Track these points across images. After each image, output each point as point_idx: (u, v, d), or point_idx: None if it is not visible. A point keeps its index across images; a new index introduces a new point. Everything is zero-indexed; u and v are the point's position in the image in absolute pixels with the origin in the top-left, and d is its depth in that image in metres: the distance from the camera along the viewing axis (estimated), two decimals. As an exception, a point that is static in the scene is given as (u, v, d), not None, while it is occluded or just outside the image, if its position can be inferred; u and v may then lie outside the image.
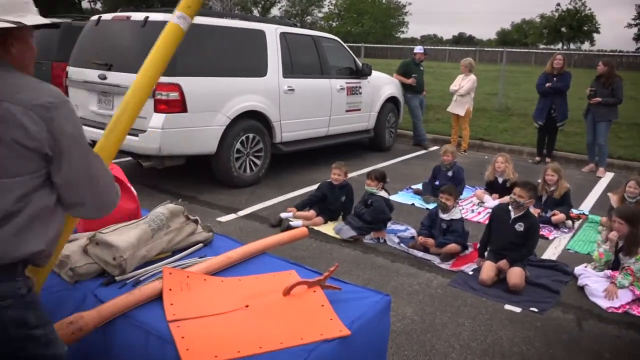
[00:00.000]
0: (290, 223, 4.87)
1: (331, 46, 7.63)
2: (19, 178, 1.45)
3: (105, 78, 5.57)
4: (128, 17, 5.66)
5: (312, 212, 5.06)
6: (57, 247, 1.68)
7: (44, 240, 1.50)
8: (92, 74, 5.71)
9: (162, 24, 5.19)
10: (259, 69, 6.16)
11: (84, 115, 6.05)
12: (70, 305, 1.89)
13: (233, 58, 5.89)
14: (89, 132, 5.76)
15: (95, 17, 6.15)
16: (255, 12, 66.82)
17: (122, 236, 2.08)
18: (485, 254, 4.19)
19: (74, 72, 6.06)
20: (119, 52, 5.60)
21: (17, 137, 1.40)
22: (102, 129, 5.59)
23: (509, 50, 18.02)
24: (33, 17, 1.51)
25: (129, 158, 6.17)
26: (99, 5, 67.44)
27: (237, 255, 2.26)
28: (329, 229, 4.89)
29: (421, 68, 9.30)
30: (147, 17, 5.40)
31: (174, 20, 1.83)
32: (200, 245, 2.40)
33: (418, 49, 9.41)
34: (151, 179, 6.20)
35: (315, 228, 4.87)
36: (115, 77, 5.49)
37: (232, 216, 5.23)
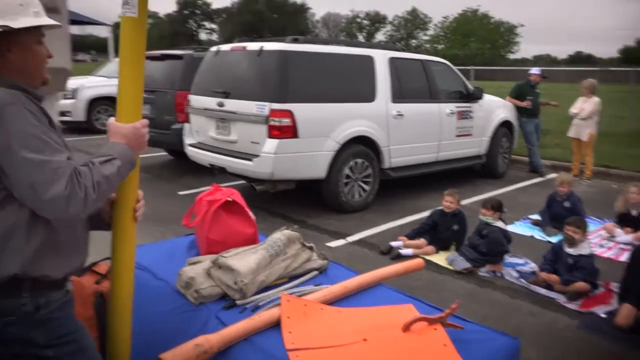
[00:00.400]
0: (400, 251, 4.75)
1: (440, 70, 7.47)
2: None
3: (223, 105, 5.87)
4: (244, 47, 5.95)
5: (422, 241, 4.90)
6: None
7: (20, 261, 1.43)
8: (211, 102, 6.05)
9: (276, 52, 5.52)
10: (368, 95, 6.16)
11: (203, 141, 6.42)
12: (194, 327, 1.94)
13: (342, 84, 5.96)
14: (208, 156, 6.11)
15: (214, 48, 6.56)
16: (361, 38, 67.99)
17: (243, 261, 2.12)
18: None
19: (195, 100, 6.46)
20: (236, 81, 5.89)
21: None
22: (220, 153, 5.95)
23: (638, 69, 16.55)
24: (27, 20, 1.47)
25: (243, 181, 6.43)
26: (215, 37, 72.49)
27: (353, 285, 2.21)
28: (440, 258, 4.70)
29: (537, 90, 8.80)
30: (262, 47, 5.65)
31: (128, 14, 1.62)
32: (316, 272, 2.38)
33: (534, 70, 8.93)
34: (263, 202, 6.39)
35: (427, 257, 4.69)
36: (232, 104, 5.77)
37: (341, 242, 5.22)
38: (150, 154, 9.03)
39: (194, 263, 2.29)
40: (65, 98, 10.79)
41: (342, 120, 5.81)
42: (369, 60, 6.23)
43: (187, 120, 6.73)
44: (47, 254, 1.48)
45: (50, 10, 2.96)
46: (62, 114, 10.85)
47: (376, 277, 2.32)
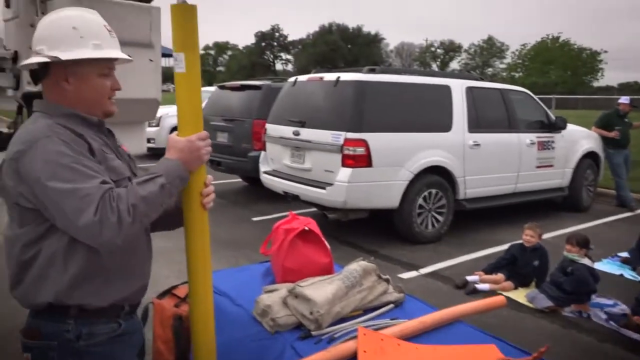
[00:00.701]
0: (477, 286, 4.57)
1: (520, 99, 7.25)
2: (24, 229, 1.45)
3: (298, 134, 5.99)
4: (321, 78, 6.07)
5: (500, 276, 4.69)
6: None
7: (54, 290, 1.43)
8: (287, 131, 6.19)
9: (352, 82, 5.59)
10: (444, 124, 6.08)
11: (277, 168, 6.56)
12: (270, 356, 1.95)
13: (418, 114, 5.92)
14: (282, 183, 6.22)
15: (292, 79, 6.74)
16: (434, 67, 67.54)
17: (319, 291, 2.11)
18: None
19: (272, 129, 6.64)
20: (312, 110, 6.01)
21: (7, 190, 1.43)
22: (294, 181, 6.06)
23: None
24: (83, 52, 1.44)
25: (315, 209, 6.48)
26: (290, 67, 74.62)
27: (430, 321, 2.14)
28: (520, 295, 4.47)
29: (626, 120, 8.32)
30: (338, 77, 5.74)
31: (176, 70, 1.62)
32: (392, 305, 2.33)
33: (624, 100, 8.46)
34: (334, 230, 6.39)
35: (505, 294, 4.47)
36: (307, 134, 5.87)
37: (413, 273, 5.10)
38: (227, 180, 9.33)
39: (271, 291, 2.31)
40: (150, 126, 11.43)
41: (417, 149, 5.75)
42: (446, 89, 6.15)
43: (263, 148, 6.92)
44: (86, 281, 1.45)
45: (146, 46, 3.19)
46: (147, 140, 11.49)
47: (455, 314, 2.23)
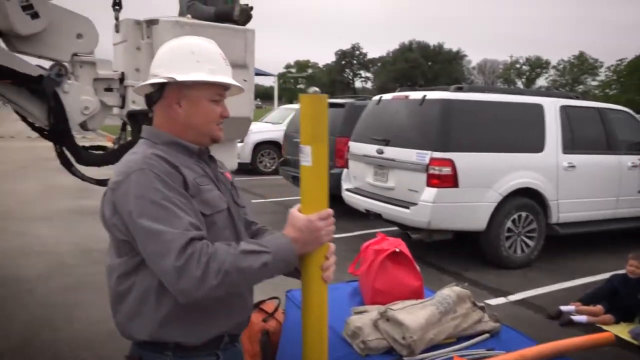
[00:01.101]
0: (573, 318, 4.28)
1: (620, 118, 6.79)
2: (121, 259, 1.44)
3: (382, 152, 5.95)
4: (406, 96, 6.02)
5: (599, 308, 4.35)
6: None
7: (149, 329, 1.41)
8: (371, 149, 6.16)
9: (439, 101, 5.49)
10: (536, 145, 5.81)
11: (360, 186, 6.54)
12: (361, 380, 1.91)
13: (507, 133, 5.71)
14: (364, 202, 6.19)
15: (376, 97, 6.74)
16: (519, 84, 65.15)
17: (412, 315, 2.05)
18: None
19: (355, 147, 6.65)
20: (397, 129, 5.96)
21: (104, 220, 1.44)
22: (376, 199, 6.01)
23: None
24: (197, 75, 1.46)
25: (396, 228, 6.38)
26: (369, 85, 74.88)
27: (531, 355, 2.01)
28: (622, 331, 4.12)
29: None
30: (424, 96, 5.66)
31: (302, 163, 1.56)
32: (487, 335, 2.21)
33: None
34: (417, 251, 6.21)
35: (604, 327, 4.16)
36: (391, 152, 5.82)
37: (501, 300, 4.87)
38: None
39: (360, 312, 2.27)
40: (236, 142, 11.85)
41: (506, 170, 5.53)
42: (538, 108, 5.89)
43: (345, 166, 6.94)
44: (180, 320, 1.42)
45: (241, 67, 3.31)
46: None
47: (558, 348, 2.08)
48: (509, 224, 5.61)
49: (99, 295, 4.67)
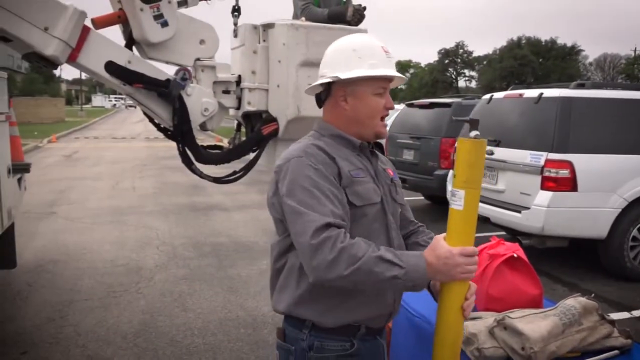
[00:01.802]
0: None
1: None
2: (279, 237, 1.57)
3: (492, 153, 5.71)
4: (520, 95, 5.74)
5: None
6: None
7: (287, 302, 1.54)
8: (480, 150, 5.94)
9: (558, 99, 5.16)
10: (667, 145, 5.27)
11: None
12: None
13: (633, 133, 5.23)
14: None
15: (487, 96, 6.48)
16: (645, 80, 59.41)
17: (532, 325, 1.95)
18: None
19: (462, 148, 6.43)
20: (508, 128, 5.69)
21: (268, 199, 1.57)
22: (485, 202, 5.77)
23: None
24: (360, 71, 1.52)
25: (503, 233, 6.09)
26: (473, 84, 72.25)
27: (670, 377, 1.82)
28: None
29: None
30: (541, 94, 5.36)
31: (452, 206, 1.51)
32: (617, 352, 2.04)
33: None
34: (528, 258, 5.93)
35: None
36: (502, 153, 5.57)
37: (624, 315, 4.48)
38: (410, 198, 9.31)
39: (474, 318, 2.20)
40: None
41: (633, 174, 5.09)
42: (670, 105, 5.34)
43: (451, 167, 6.74)
44: (313, 301, 1.50)
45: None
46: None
47: (703, 373, 1.87)
48: (634, 232, 5.16)
49: (210, 286, 4.97)
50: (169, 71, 3.27)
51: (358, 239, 1.40)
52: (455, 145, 1.53)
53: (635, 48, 75.01)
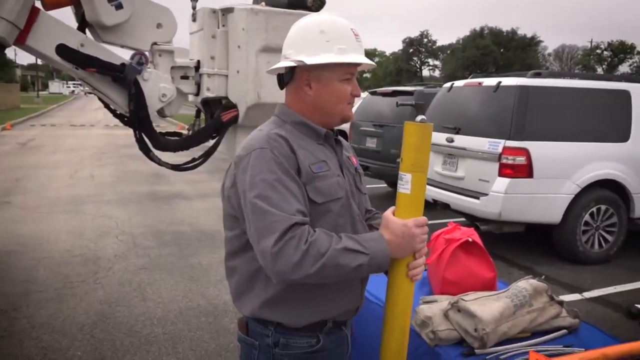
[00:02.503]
0: (654, 317, 4.01)
1: None
2: (230, 234, 1.48)
3: (452, 141, 5.80)
4: (480, 83, 5.83)
5: (688, 310, 4.06)
6: None
7: (252, 307, 1.46)
8: (440, 137, 6.02)
9: (515, 88, 5.27)
10: (620, 134, 5.48)
11: (428, 175, 6.40)
12: (431, 370, 1.88)
13: (588, 121, 5.42)
14: (432, 191, 6.07)
15: (448, 84, 6.57)
16: (600, 70, 61.40)
17: (485, 307, 1.99)
18: None
19: (423, 135, 6.51)
20: (468, 116, 5.79)
21: (223, 190, 1.49)
22: (445, 189, 5.88)
23: None
24: (327, 56, 1.42)
25: (463, 219, 6.22)
26: (437, 73, 73.13)
27: (614, 354, 1.89)
28: None
29: None
30: (499, 82, 5.45)
31: (400, 190, 1.50)
32: (565, 331, 2.12)
33: None
34: (485, 243, 6.03)
35: (692, 330, 3.88)
36: (462, 140, 5.67)
37: (575, 296, 4.65)
38: (372, 185, 9.39)
39: (430, 302, 2.24)
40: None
41: (586, 160, 5.26)
42: (624, 95, 5.54)
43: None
44: (280, 303, 1.44)
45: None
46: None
47: (643, 349, 1.95)
48: (586, 217, 5.35)
49: (170, 275, 4.91)
50: (125, 56, 3.19)
51: (319, 231, 1.34)
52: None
53: (592, 39, 77.39)
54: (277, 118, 1.54)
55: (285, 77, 1.51)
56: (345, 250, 1.32)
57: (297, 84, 1.50)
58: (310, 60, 1.42)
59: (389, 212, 1.47)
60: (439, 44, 74.43)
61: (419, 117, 1.47)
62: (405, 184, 1.47)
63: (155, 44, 3.23)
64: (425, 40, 73.88)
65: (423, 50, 74.61)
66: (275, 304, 1.44)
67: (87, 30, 3.13)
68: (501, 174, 5.13)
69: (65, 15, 3.12)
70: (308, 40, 1.45)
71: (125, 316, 4.02)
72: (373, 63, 1.54)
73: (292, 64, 1.45)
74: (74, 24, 3.13)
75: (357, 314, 1.64)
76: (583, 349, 1.95)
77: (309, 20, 1.50)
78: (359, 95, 1.54)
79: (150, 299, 4.35)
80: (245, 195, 1.36)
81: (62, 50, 2.90)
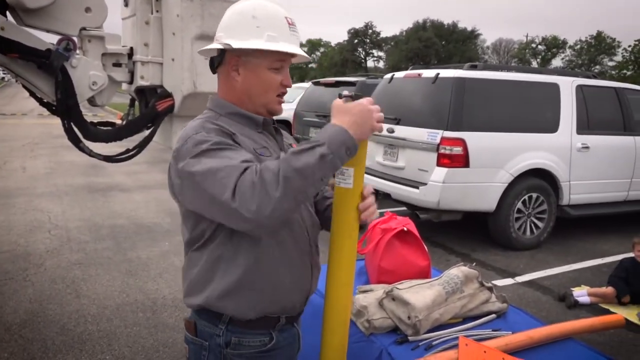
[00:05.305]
0: (579, 299, 4.26)
1: (638, 99, 6.64)
2: (185, 226, 1.46)
3: (392, 131, 5.89)
4: (419, 75, 5.93)
5: (610, 290, 4.32)
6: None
7: (206, 295, 1.41)
8: (381, 128, 6.10)
9: (452, 79, 5.39)
10: (550, 125, 5.72)
11: (369, 165, 6.48)
12: (365, 359, 1.90)
13: (521, 113, 5.62)
14: (373, 181, 6.15)
15: (388, 75, 6.64)
16: (534, 64, 64.07)
17: (418, 295, 2.04)
18: None
19: (365, 126, 6.57)
20: (408, 107, 5.88)
21: (172, 189, 1.41)
22: (386, 179, 5.96)
23: None
24: (255, 42, 1.38)
25: (404, 208, 6.35)
26: (381, 64, 74.03)
27: (539, 336, 1.99)
28: (631, 314, 4.09)
29: None
30: (437, 74, 5.56)
31: (341, 185, 1.47)
32: (494, 316, 2.20)
33: None
34: (425, 231, 6.20)
35: (612, 310, 4.14)
36: (402, 131, 5.75)
37: (508, 281, 4.85)
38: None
39: (366, 291, 2.27)
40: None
41: (519, 151, 5.46)
42: (554, 87, 5.78)
43: (355, 145, 6.87)
44: (237, 293, 1.41)
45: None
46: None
47: (566, 330, 2.06)
48: (519, 205, 5.57)
49: (106, 271, 4.74)
50: (52, 41, 3.02)
51: (260, 163, 1.27)
52: None
53: (527, 34, 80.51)
54: (211, 111, 1.48)
55: (215, 61, 1.48)
56: (297, 154, 1.23)
57: (226, 69, 1.47)
58: (237, 44, 1.39)
59: (337, 100, 1.38)
60: (382, 35, 75.31)
61: (345, 92, 1.41)
62: (348, 179, 1.45)
63: (84, 29, 3.08)
64: (370, 31, 74.56)
65: (368, 41, 75.27)
66: (233, 293, 1.40)
67: (8, 14, 2.94)
68: (439, 163, 5.25)
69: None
70: (239, 24, 1.42)
71: (57, 314, 3.85)
72: (305, 55, 1.51)
73: (220, 46, 1.43)
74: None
75: (306, 303, 1.61)
76: (510, 332, 2.04)
77: (244, 5, 1.46)
78: (289, 86, 1.50)
79: (84, 296, 4.19)
80: (191, 175, 1.28)
81: (-20, 34, 2.71)
